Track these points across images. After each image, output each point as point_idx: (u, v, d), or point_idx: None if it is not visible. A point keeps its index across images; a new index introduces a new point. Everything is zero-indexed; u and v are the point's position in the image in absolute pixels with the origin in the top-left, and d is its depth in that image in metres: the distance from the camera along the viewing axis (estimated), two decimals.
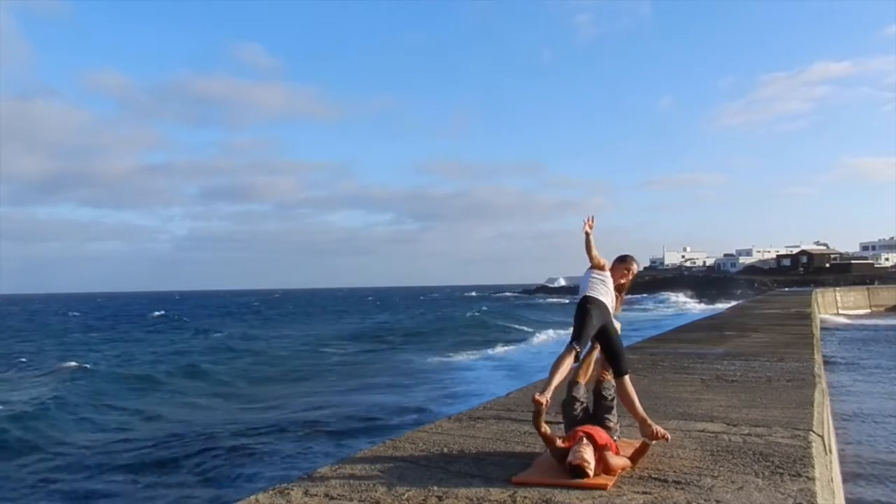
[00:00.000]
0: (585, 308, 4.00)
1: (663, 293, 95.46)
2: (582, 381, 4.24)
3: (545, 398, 3.63)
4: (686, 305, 78.52)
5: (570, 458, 3.47)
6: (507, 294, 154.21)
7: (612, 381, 4.07)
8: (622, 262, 4.34)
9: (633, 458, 3.76)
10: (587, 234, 4.14)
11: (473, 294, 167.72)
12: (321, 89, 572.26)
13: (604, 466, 3.52)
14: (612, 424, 3.96)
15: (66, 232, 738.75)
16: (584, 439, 3.55)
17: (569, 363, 3.89)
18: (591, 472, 3.41)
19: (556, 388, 3.81)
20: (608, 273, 4.20)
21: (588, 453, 3.45)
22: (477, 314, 64.64)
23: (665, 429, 3.97)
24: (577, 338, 3.89)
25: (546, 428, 3.67)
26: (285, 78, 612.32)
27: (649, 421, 3.88)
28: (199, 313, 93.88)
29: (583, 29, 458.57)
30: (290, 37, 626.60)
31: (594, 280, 4.14)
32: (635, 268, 4.38)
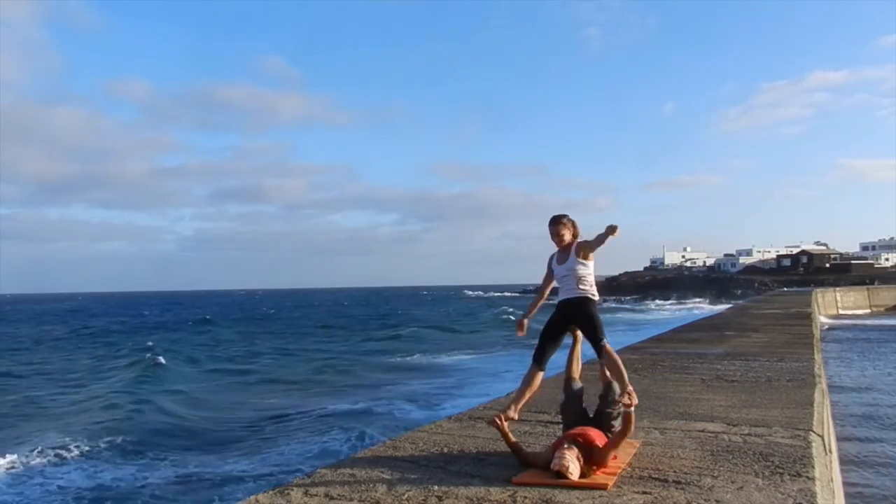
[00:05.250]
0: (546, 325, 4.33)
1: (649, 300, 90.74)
2: (576, 376, 4.27)
3: (503, 419, 3.98)
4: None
5: (552, 464, 3.47)
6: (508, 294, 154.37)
7: (615, 386, 4.07)
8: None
9: (623, 433, 3.63)
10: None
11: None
12: (336, 97, 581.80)
13: (598, 462, 3.51)
14: (615, 430, 3.97)
15: (74, 232, 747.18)
16: (566, 444, 3.54)
17: (538, 379, 4.26)
18: (573, 478, 3.40)
19: (525, 404, 4.28)
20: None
21: (568, 459, 3.43)
22: None
23: (665, 428, 3.99)
24: (535, 358, 4.29)
25: (511, 437, 3.92)
26: (303, 87, 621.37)
27: (630, 388, 3.94)
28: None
29: (591, 42, 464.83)
30: (309, 49, 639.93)
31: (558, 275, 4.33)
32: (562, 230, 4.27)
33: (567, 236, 4.25)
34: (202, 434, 17.57)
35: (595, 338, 4.12)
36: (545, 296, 4.50)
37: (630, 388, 3.84)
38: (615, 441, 3.67)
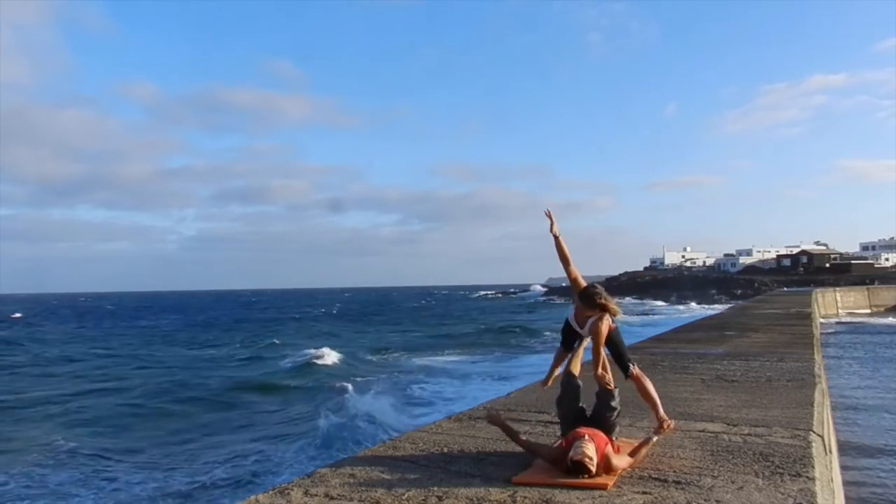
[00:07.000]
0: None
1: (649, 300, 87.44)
2: (576, 372, 4.27)
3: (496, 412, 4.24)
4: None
5: (571, 453, 3.46)
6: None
7: (616, 393, 4.07)
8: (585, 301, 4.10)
9: (634, 453, 3.76)
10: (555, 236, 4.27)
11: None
12: (340, 99, 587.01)
13: (605, 466, 3.52)
14: (614, 431, 3.98)
15: (77, 233, 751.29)
16: (587, 436, 3.56)
17: (564, 356, 4.43)
18: (593, 469, 3.42)
19: (555, 376, 4.51)
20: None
21: (591, 450, 3.45)
22: None
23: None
24: (562, 343, 4.49)
25: (511, 428, 3.96)
26: (307, 89, 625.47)
27: (662, 413, 4.07)
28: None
29: (594, 46, 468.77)
30: (313, 52, 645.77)
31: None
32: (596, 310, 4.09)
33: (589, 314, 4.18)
34: None
35: (624, 364, 4.19)
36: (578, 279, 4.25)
37: (667, 421, 4.03)
38: (626, 455, 3.73)
